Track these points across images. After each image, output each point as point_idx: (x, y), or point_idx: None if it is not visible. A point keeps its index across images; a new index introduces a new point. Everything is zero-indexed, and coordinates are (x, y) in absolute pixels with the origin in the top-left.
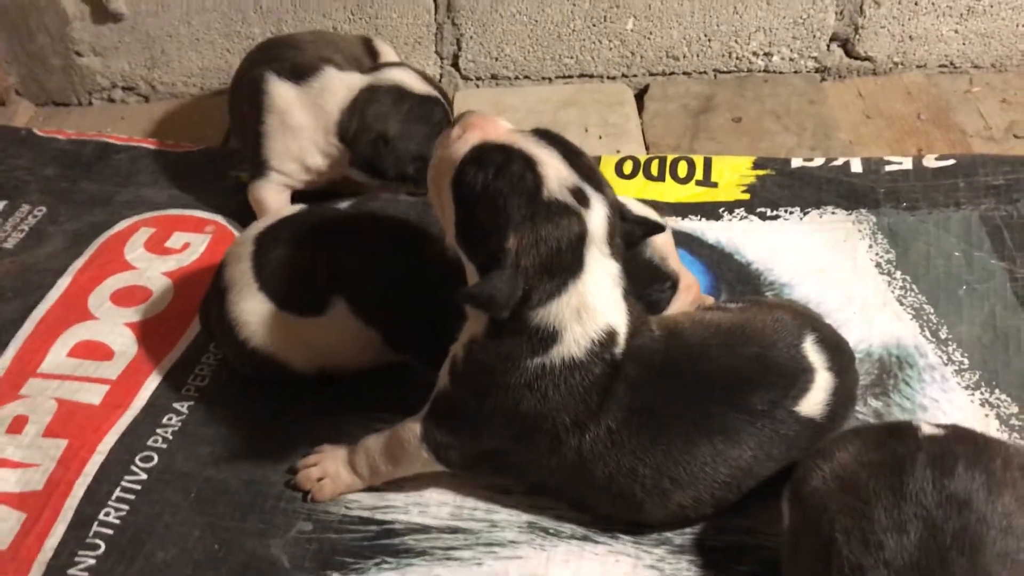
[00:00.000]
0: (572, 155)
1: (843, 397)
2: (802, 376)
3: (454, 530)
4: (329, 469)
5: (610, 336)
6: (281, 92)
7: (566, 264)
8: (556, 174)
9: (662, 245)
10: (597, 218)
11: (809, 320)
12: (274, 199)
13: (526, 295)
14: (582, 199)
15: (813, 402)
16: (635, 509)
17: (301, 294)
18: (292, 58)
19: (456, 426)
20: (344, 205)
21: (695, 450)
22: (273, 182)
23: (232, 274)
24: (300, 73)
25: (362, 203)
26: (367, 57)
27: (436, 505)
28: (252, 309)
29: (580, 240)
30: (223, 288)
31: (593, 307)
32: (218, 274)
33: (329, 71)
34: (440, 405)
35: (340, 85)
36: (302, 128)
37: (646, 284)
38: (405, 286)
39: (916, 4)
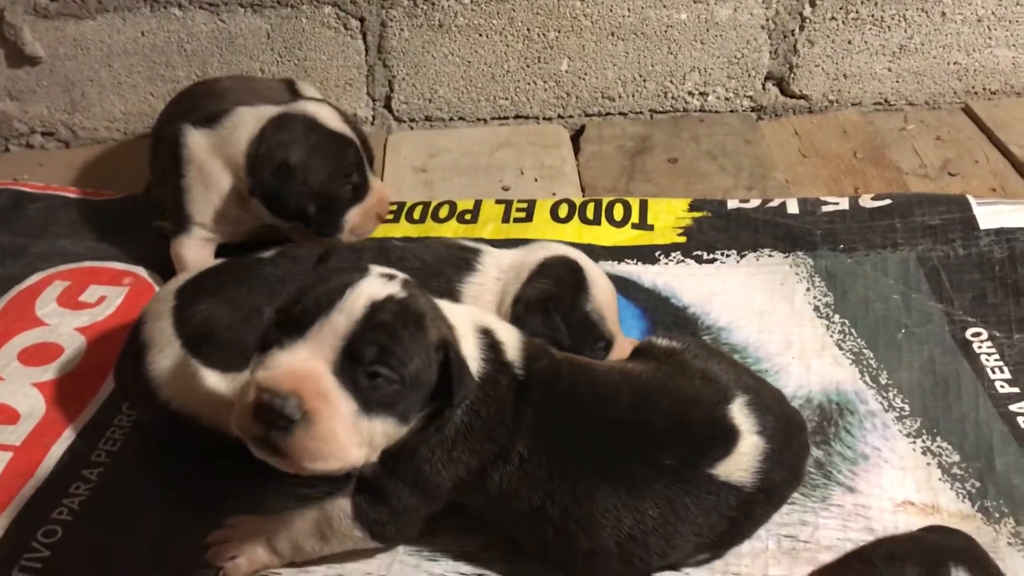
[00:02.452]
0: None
1: (780, 466)
2: (721, 437)
3: None
4: (245, 546)
5: (487, 333)
6: (197, 140)
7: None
8: (366, 295)
9: (604, 304)
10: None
11: (748, 382)
12: (196, 255)
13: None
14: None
15: (735, 467)
16: (549, 553)
17: (226, 349)
18: (208, 106)
19: (389, 501)
20: (268, 254)
21: (597, 494)
22: (195, 237)
23: (151, 332)
24: (213, 118)
25: (287, 251)
26: (291, 99)
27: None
28: (174, 369)
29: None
30: (141, 347)
31: (461, 319)
32: (135, 332)
33: (240, 110)
34: (369, 482)
35: (250, 119)
36: (218, 173)
37: (582, 340)
38: None
39: (849, 43)
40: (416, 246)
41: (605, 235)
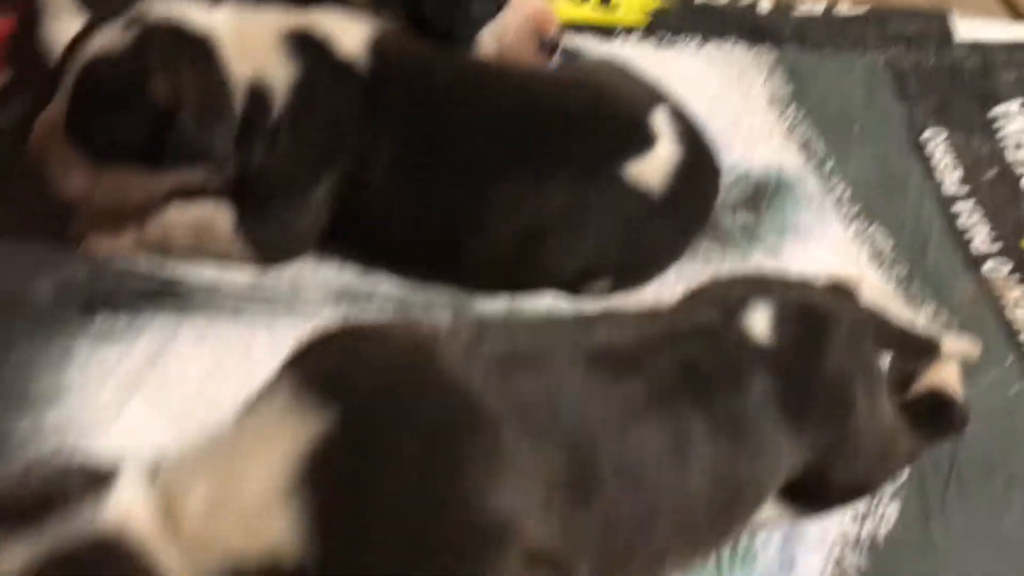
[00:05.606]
0: None
1: (691, 182)
2: (637, 134)
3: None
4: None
5: (301, 36)
6: None
7: None
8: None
9: None
10: None
11: (668, 99)
12: None
13: None
14: None
15: (647, 170)
16: (436, 262)
17: None
18: None
19: (269, 212)
20: None
21: (495, 186)
22: None
23: None
24: None
25: None
26: None
27: (236, 267)
28: None
29: None
30: None
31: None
32: None
33: None
34: (246, 194)
35: None
36: None
37: None
38: None
39: None
40: None
41: (563, 9)
